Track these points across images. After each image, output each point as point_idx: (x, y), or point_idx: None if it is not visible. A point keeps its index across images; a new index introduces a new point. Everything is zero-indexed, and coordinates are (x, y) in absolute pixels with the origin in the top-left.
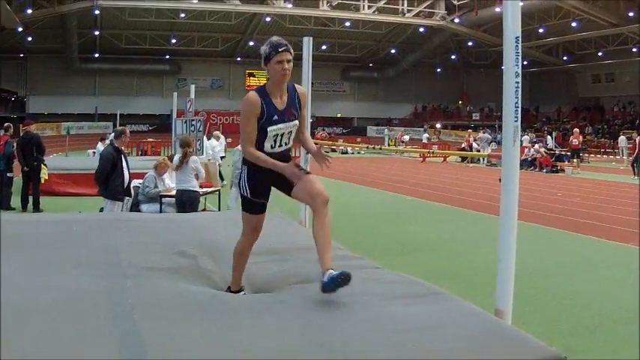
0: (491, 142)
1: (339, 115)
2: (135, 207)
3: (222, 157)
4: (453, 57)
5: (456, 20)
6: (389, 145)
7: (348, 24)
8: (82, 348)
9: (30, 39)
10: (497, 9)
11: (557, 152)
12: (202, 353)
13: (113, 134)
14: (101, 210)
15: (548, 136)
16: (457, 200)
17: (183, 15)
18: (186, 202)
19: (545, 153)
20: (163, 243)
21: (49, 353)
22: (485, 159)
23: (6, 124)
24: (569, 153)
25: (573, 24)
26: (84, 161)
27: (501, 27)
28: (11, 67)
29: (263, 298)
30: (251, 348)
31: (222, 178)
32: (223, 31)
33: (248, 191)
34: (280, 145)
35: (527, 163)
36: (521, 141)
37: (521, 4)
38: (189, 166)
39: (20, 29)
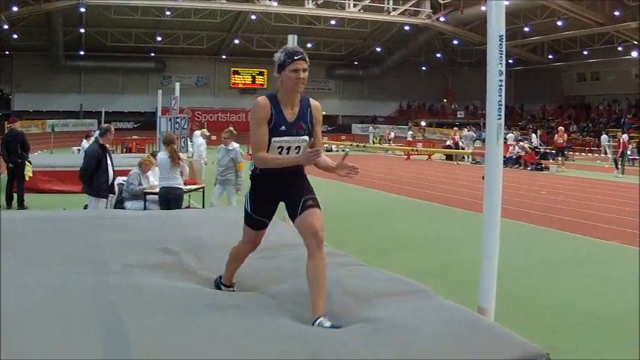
0: (476, 139)
1: (324, 113)
2: (119, 204)
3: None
4: (438, 55)
5: (442, 19)
6: (373, 142)
7: (333, 22)
8: (66, 345)
9: (15, 36)
10: (483, 7)
11: (541, 150)
12: (187, 349)
13: (98, 131)
14: (85, 207)
15: (533, 134)
16: (442, 198)
17: (168, 13)
18: (172, 199)
19: (530, 149)
20: (147, 240)
21: (32, 351)
22: (470, 157)
23: None
24: (553, 151)
25: (559, 23)
26: (68, 158)
27: (486, 25)
28: None
29: (249, 295)
30: (236, 344)
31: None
32: (209, 29)
33: (250, 206)
34: None
35: (511, 161)
36: (505, 139)
37: (506, 3)
38: (179, 163)
39: (6, 27)
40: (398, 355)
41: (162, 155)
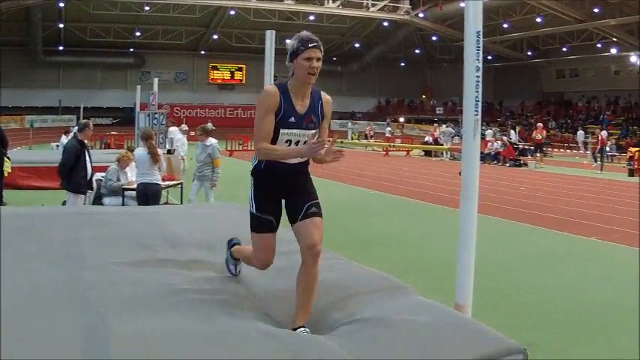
0: (455, 135)
1: None
2: (97, 200)
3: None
4: (417, 51)
5: (421, 15)
6: (352, 138)
7: (312, 18)
8: (44, 342)
9: None
10: (462, 4)
11: (520, 146)
12: (167, 347)
13: (77, 127)
14: (64, 203)
15: (512, 131)
16: (419, 194)
17: (147, 8)
18: (150, 195)
19: (509, 142)
20: (126, 236)
21: (8, 349)
22: (449, 152)
23: None
24: (532, 147)
25: (538, 19)
26: (48, 154)
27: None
28: None
29: (231, 293)
30: (217, 342)
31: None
32: (187, 24)
33: (254, 206)
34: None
35: (490, 157)
36: (484, 135)
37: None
38: (159, 159)
39: None
40: (376, 354)
41: (140, 151)
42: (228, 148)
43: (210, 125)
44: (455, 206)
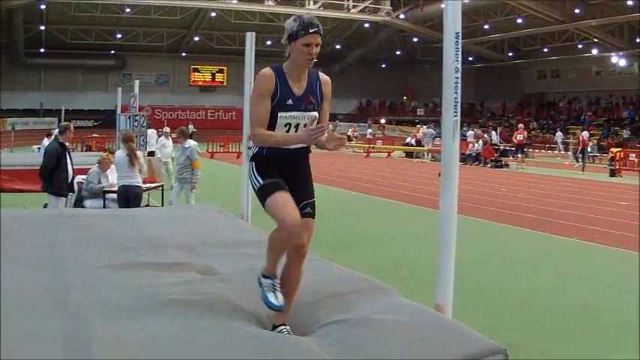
0: (436, 137)
1: None
2: (78, 203)
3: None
4: (398, 53)
5: (402, 16)
6: None
7: None
8: (25, 345)
9: None
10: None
11: (501, 147)
12: (146, 348)
13: (58, 130)
14: (45, 206)
15: (493, 132)
16: (400, 195)
17: (128, 10)
18: (131, 197)
19: (489, 141)
20: (107, 239)
21: None
22: (430, 154)
23: None
24: (513, 148)
25: (519, 20)
26: (29, 157)
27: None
28: None
29: (212, 295)
30: (196, 340)
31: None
32: (168, 26)
33: (258, 179)
34: None
35: (471, 158)
36: (465, 136)
37: (465, 0)
38: (138, 161)
39: None
40: (356, 355)
41: (121, 153)
42: (210, 150)
43: (191, 127)
44: (436, 207)
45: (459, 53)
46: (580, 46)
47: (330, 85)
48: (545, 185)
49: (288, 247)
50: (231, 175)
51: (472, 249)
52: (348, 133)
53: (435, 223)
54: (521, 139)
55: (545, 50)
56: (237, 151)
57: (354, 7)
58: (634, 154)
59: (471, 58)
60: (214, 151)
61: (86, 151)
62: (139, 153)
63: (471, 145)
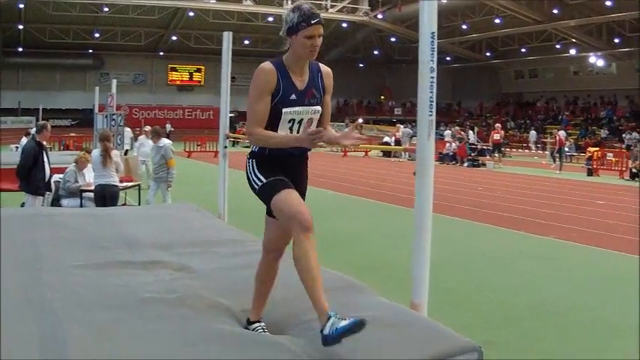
0: (413, 136)
1: None
2: (55, 202)
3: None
4: (375, 52)
5: (379, 16)
6: None
7: (271, 19)
8: (1, 345)
9: None
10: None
11: (479, 147)
12: (123, 346)
13: (35, 129)
14: (22, 205)
15: (470, 131)
16: (377, 194)
17: (106, 9)
18: (108, 196)
19: (466, 139)
20: (84, 238)
21: None
22: (407, 153)
23: None
24: (490, 147)
25: (497, 20)
26: (6, 156)
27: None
28: None
29: (188, 294)
30: (173, 339)
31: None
32: (146, 25)
33: (261, 177)
34: None
35: (449, 158)
36: (443, 135)
37: (444, 0)
38: (112, 161)
39: None
40: (330, 353)
41: (97, 152)
42: (187, 150)
43: (168, 127)
44: (412, 206)
45: (435, 53)
46: (558, 46)
47: (332, 77)
48: (522, 184)
49: (269, 244)
50: (208, 174)
51: (449, 248)
52: None
53: (411, 221)
54: (498, 138)
55: (523, 50)
56: (214, 150)
57: (332, 6)
58: (611, 154)
59: (448, 58)
60: (191, 150)
61: (64, 150)
62: (115, 152)
63: (448, 144)
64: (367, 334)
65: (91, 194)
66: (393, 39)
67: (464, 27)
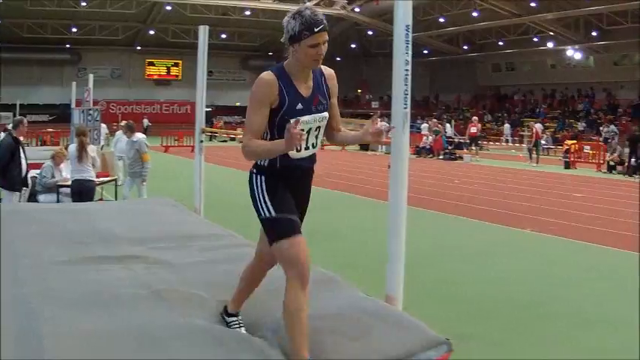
0: (389, 130)
1: (237, 104)
2: (32, 197)
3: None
4: (353, 46)
5: (357, 9)
6: None
7: (248, 13)
8: None
9: None
10: None
11: (456, 140)
12: (99, 342)
13: (12, 124)
14: None
15: (447, 124)
16: (356, 188)
17: (84, 3)
18: (84, 192)
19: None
20: (60, 233)
21: None
22: (384, 146)
23: None
24: (467, 141)
25: (474, 14)
26: None
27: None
28: None
29: (166, 290)
30: (146, 335)
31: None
32: (124, 19)
33: (270, 208)
34: (307, 147)
35: (425, 151)
36: (420, 129)
37: None
38: (88, 155)
39: None
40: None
41: (74, 147)
42: (164, 144)
43: (145, 122)
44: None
45: (410, 46)
46: (535, 39)
47: (335, 78)
48: (499, 177)
49: (260, 255)
50: (186, 168)
51: (425, 241)
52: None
53: (386, 214)
54: (475, 131)
55: (501, 43)
56: (192, 145)
57: (309, 0)
58: (588, 147)
59: (426, 52)
60: (169, 145)
61: (41, 145)
62: (92, 147)
63: (425, 137)
64: (339, 330)
65: (68, 190)
66: (370, 32)
67: (441, 20)
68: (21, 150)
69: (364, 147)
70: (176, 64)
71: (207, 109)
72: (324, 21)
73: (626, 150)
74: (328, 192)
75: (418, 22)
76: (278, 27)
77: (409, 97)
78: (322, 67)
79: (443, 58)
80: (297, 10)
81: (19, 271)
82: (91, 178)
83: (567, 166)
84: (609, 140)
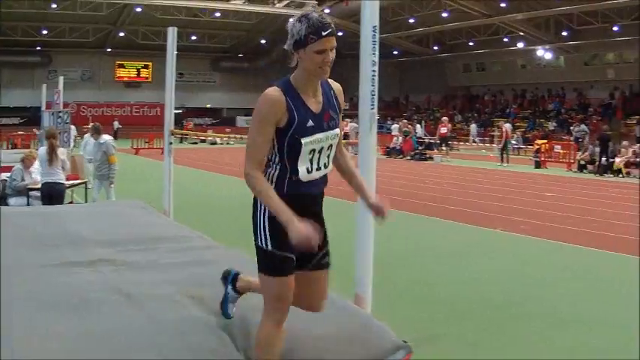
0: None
1: (208, 106)
2: (3, 201)
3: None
4: None
5: (327, 10)
6: None
7: (218, 14)
8: None
9: None
10: None
11: (426, 140)
12: (71, 345)
13: None
14: None
15: (418, 125)
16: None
17: (54, 5)
18: (54, 195)
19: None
20: (30, 236)
21: None
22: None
23: None
24: (438, 141)
25: (444, 14)
26: None
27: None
28: None
29: (139, 288)
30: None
31: None
32: (94, 21)
33: (268, 240)
34: (319, 168)
35: (396, 152)
36: (390, 130)
37: None
38: (58, 158)
39: None
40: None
41: (44, 150)
42: (135, 147)
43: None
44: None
45: (377, 46)
46: (506, 39)
47: (342, 93)
48: (470, 177)
49: (304, 304)
50: (156, 171)
51: (398, 242)
52: None
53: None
54: (445, 131)
55: (471, 44)
56: (162, 147)
57: (279, 1)
58: (559, 146)
59: (395, 52)
60: (139, 147)
61: (12, 149)
62: (62, 150)
63: (395, 138)
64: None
65: (38, 193)
66: (340, 33)
67: (411, 21)
68: None
69: None
70: (146, 66)
71: (178, 111)
72: (332, 25)
73: (597, 149)
74: None
75: (387, 23)
76: (248, 28)
77: (376, 97)
78: (330, 80)
79: (413, 59)
80: (303, 14)
81: None
82: (61, 181)
83: (538, 165)
84: (580, 140)
